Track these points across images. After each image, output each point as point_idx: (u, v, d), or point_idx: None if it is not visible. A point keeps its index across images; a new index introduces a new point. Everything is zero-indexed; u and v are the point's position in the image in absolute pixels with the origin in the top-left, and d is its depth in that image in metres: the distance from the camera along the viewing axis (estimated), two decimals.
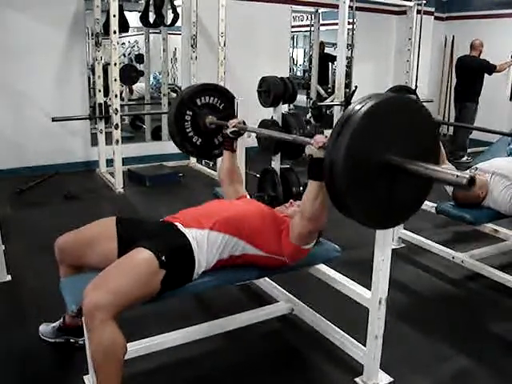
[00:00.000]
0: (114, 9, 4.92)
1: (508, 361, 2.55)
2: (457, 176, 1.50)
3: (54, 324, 2.51)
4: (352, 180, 1.62)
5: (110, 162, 5.68)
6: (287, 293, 2.87)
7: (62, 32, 5.80)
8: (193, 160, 6.56)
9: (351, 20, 7.05)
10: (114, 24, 4.96)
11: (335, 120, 7.06)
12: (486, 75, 6.95)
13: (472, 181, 1.47)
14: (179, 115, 2.99)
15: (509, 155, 3.90)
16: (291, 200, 2.59)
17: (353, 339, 2.44)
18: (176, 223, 2.20)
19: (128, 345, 1.88)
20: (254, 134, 3.65)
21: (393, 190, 1.71)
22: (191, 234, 2.13)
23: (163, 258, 1.96)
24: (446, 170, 1.55)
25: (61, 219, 4.13)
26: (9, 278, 3.20)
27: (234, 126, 2.69)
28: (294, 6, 7.49)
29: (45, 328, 2.53)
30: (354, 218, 1.71)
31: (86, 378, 2.23)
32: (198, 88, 3.10)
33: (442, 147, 3.58)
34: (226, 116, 2.97)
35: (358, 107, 1.61)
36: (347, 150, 1.57)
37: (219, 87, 3.19)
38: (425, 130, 1.78)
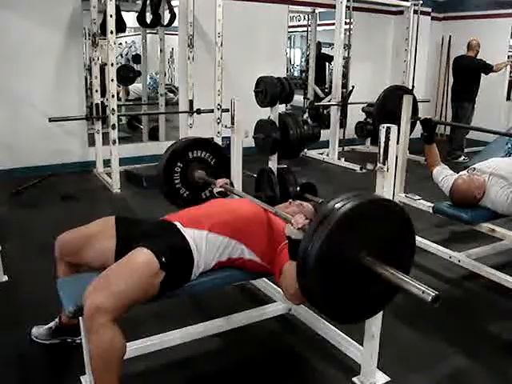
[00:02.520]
0: (111, 9, 4.91)
1: (504, 360, 2.56)
2: (423, 292, 1.53)
3: (48, 325, 2.50)
4: (322, 277, 1.66)
5: (107, 163, 5.66)
6: None
7: (59, 32, 5.79)
8: None
9: (348, 20, 7.08)
10: (111, 24, 4.95)
11: (332, 120, 7.08)
12: (482, 75, 6.96)
13: (437, 299, 1.50)
14: (170, 165, 3.04)
15: (506, 154, 3.90)
16: (290, 200, 2.59)
17: (350, 339, 2.45)
18: (175, 223, 2.20)
19: None
20: (251, 134, 3.67)
21: (363, 288, 1.76)
22: (190, 234, 2.13)
23: (163, 259, 1.96)
24: (415, 283, 1.57)
25: (58, 220, 4.12)
26: (5, 278, 3.19)
27: (220, 186, 2.80)
28: (291, 6, 7.49)
29: (38, 330, 2.52)
30: (321, 312, 1.86)
31: (82, 378, 2.22)
32: (192, 141, 3.15)
33: (436, 148, 3.60)
34: (216, 172, 3.05)
35: (338, 205, 1.65)
36: (320, 250, 1.61)
37: (213, 143, 3.24)
38: (403, 232, 1.83)
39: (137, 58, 9.30)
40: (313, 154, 7.31)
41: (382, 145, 2.00)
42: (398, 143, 2.19)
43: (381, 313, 2.19)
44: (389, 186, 2.06)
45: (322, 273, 1.65)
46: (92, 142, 6.07)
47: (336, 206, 1.65)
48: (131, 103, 9.12)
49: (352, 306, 1.81)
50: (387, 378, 2.32)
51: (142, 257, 1.95)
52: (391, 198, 2.07)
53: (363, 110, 7.33)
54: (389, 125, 1.99)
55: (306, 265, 1.64)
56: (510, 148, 4.07)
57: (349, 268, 1.68)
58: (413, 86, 7.34)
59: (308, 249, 1.62)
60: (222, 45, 5.71)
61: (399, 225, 1.80)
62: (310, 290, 1.71)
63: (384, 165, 2.02)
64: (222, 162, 3.12)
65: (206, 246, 2.13)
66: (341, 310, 1.80)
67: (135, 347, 2.30)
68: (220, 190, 2.78)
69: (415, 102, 4.02)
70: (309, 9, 8.45)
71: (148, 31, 7.82)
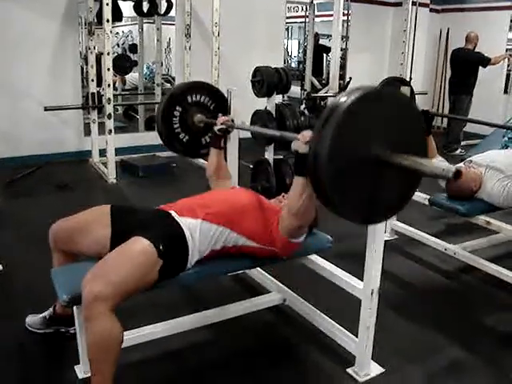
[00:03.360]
0: None
1: (500, 352, 2.56)
2: (443, 169, 1.47)
3: (42, 314, 2.49)
4: (336, 173, 1.57)
5: (102, 152, 5.63)
6: (279, 283, 2.87)
7: (55, 21, 5.74)
8: None
9: (346, 11, 7.04)
10: (107, 13, 4.92)
11: None
12: (480, 68, 6.94)
13: (458, 173, 1.42)
14: (168, 109, 2.95)
15: (503, 147, 3.90)
16: (283, 194, 2.58)
17: (345, 330, 2.44)
18: (170, 212, 2.20)
19: None
20: (248, 123, 3.65)
21: (379, 184, 1.67)
22: (185, 223, 2.13)
23: (161, 247, 1.96)
24: (433, 163, 1.52)
25: (53, 209, 4.09)
26: (0, 267, 3.18)
27: (222, 123, 2.68)
28: None
29: (32, 319, 2.51)
30: (339, 214, 1.66)
31: (76, 367, 2.23)
32: (190, 85, 3.08)
33: (433, 140, 3.59)
34: (215, 117, 2.95)
35: (343, 99, 1.56)
36: (331, 142, 1.52)
37: (211, 87, 3.16)
38: (412, 123, 1.74)
39: (133, 48, 9.25)
40: None
41: None
42: None
43: (376, 304, 2.20)
44: None
45: (335, 172, 1.56)
46: (88, 132, 6.03)
47: (340, 100, 1.57)
48: (127, 93, 9.08)
49: (373, 205, 1.71)
50: (382, 370, 2.33)
51: (140, 245, 1.95)
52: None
53: None
54: None
55: (317, 159, 1.55)
56: (506, 141, 4.07)
57: (362, 161, 1.60)
58: (410, 78, 7.31)
59: (318, 148, 1.54)
60: (218, 35, 5.68)
61: (405, 112, 1.72)
62: (324, 188, 1.60)
63: None
64: (222, 108, 3.04)
65: (200, 234, 2.13)
66: (358, 209, 1.70)
67: (128, 337, 2.27)
68: (221, 127, 2.68)
69: (413, 94, 4.00)
70: None
71: (145, 21, 7.78)
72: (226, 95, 3.10)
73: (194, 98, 3.00)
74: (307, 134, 1.86)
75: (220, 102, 3.07)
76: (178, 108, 2.96)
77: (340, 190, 1.61)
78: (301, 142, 1.88)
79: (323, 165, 1.54)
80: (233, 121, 2.76)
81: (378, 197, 1.69)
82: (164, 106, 2.96)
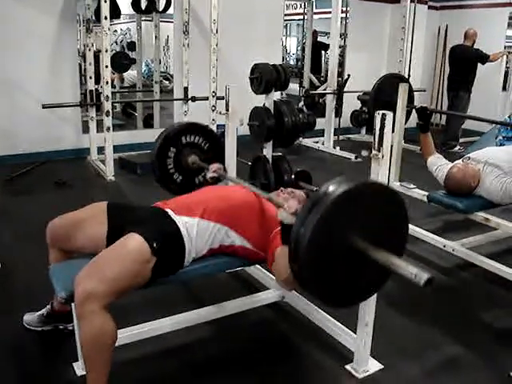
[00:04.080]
0: None
1: (497, 348, 2.56)
2: (415, 276, 1.47)
3: (40, 312, 2.49)
4: (314, 261, 1.63)
5: (101, 150, 5.63)
6: None
7: (53, 18, 5.73)
8: None
9: (344, 8, 7.04)
10: (105, 10, 4.91)
11: (328, 109, 7.06)
12: (479, 65, 6.94)
13: (429, 282, 1.45)
14: (163, 150, 2.98)
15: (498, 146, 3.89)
16: (281, 188, 2.57)
17: (343, 326, 2.44)
18: (167, 210, 2.18)
19: None
20: (246, 121, 3.66)
21: (355, 272, 1.73)
22: (182, 221, 2.12)
23: (155, 244, 1.95)
24: (407, 266, 1.52)
25: (51, 207, 4.06)
26: None
27: (214, 171, 2.73)
28: None
29: (30, 317, 2.51)
30: (313, 296, 1.81)
31: (75, 364, 2.22)
32: (186, 126, 3.10)
33: (431, 137, 3.60)
34: (209, 157, 2.99)
35: (330, 189, 1.62)
36: (313, 231, 1.57)
37: (206, 128, 3.18)
38: (396, 216, 1.80)
39: (132, 46, 9.24)
40: (308, 142, 7.30)
41: (377, 131, 1.99)
42: (393, 131, 2.17)
43: (374, 300, 2.20)
44: (383, 173, 2.05)
45: (313, 257, 1.62)
46: (86, 129, 6.02)
47: (328, 190, 1.63)
48: (126, 90, 9.07)
49: (344, 290, 1.78)
50: (380, 366, 2.33)
51: (134, 242, 1.94)
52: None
53: (359, 98, 7.31)
54: (384, 111, 1.97)
55: (297, 249, 1.62)
56: (501, 140, 4.06)
57: (341, 252, 1.66)
58: (409, 75, 7.32)
59: (300, 233, 1.60)
60: (217, 32, 5.67)
61: (392, 208, 1.77)
62: (302, 274, 1.69)
63: (379, 152, 2.01)
64: (216, 148, 3.08)
65: (197, 232, 2.12)
66: (333, 295, 1.78)
67: (127, 334, 2.29)
68: (213, 175, 2.73)
69: (411, 91, 3.99)
70: None
71: (143, 18, 7.78)
72: (225, 93, 3.10)
73: (188, 139, 3.03)
74: (293, 205, 1.85)
75: (214, 143, 3.10)
76: (172, 149, 2.99)
77: (316, 278, 1.69)
78: (286, 212, 1.85)
79: (303, 253, 1.61)
80: (225, 169, 2.84)
81: (351, 284, 1.77)
82: (159, 147, 3.00)
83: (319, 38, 9.60)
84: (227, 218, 2.17)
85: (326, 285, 1.72)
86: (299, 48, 11.83)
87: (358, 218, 1.68)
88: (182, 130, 3.03)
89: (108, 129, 5.23)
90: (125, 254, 1.92)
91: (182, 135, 3.00)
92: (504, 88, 7.83)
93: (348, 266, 1.70)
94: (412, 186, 3.79)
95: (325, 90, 7.31)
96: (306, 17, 8.71)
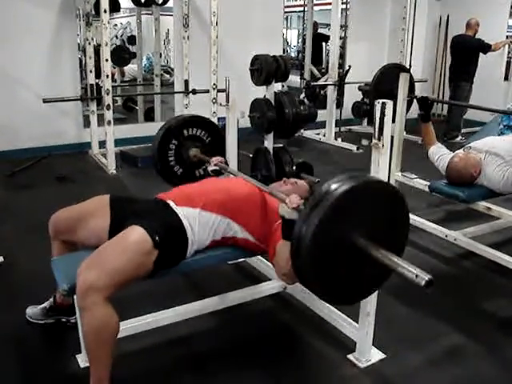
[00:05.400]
0: None
1: (500, 337, 2.57)
2: (416, 276, 1.48)
3: (42, 305, 2.50)
4: (316, 259, 1.65)
5: (102, 144, 5.63)
6: None
7: (52, 12, 5.71)
8: None
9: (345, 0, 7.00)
10: (105, 3, 4.90)
11: (329, 100, 7.04)
12: (481, 55, 6.90)
13: (430, 283, 1.46)
14: (164, 143, 2.99)
15: (499, 135, 3.88)
16: (284, 178, 2.58)
17: (345, 316, 2.45)
18: (168, 201, 2.18)
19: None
20: (247, 113, 3.65)
21: (356, 270, 1.74)
22: (183, 212, 2.12)
23: (157, 237, 1.95)
24: (408, 266, 1.53)
25: (53, 201, 4.07)
26: (0, 259, 3.18)
27: (215, 165, 2.73)
28: None
29: (32, 310, 2.52)
30: (314, 293, 1.81)
31: (78, 357, 2.24)
32: (187, 119, 3.10)
33: (432, 128, 3.58)
34: (210, 150, 2.99)
35: (333, 188, 1.63)
36: (316, 229, 1.59)
37: (208, 121, 3.19)
38: (398, 214, 1.81)
39: (132, 40, 9.21)
40: (309, 134, 7.29)
41: (378, 120, 1.98)
42: (394, 122, 2.17)
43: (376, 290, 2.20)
44: (384, 163, 2.04)
45: (315, 254, 1.64)
46: (87, 124, 6.03)
47: (331, 188, 1.64)
48: (126, 84, 9.06)
49: (345, 288, 1.80)
50: (382, 355, 2.34)
51: (135, 235, 1.94)
52: (386, 176, 2.06)
53: (359, 88, 7.28)
54: (384, 100, 1.96)
55: (300, 247, 1.63)
56: (502, 128, 4.04)
57: (343, 250, 1.67)
58: (410, 66, 7.29)
59: (302, 231, 1.61)
60: (217, 24, 5.65)
61: (394, 206, 1.78)
62: (304, 271, 1.71)
63: (379, 141, 2.00)
64: (217, 141, 3.09)
65: (199, 224, 2.12)
66: (334, 292, 1.80)
67: (129, 326, 2.30)
68: (214, 168, 2.72)
69: (412, 81, 3.98)
70: None
71: (143, 12, 7.75)
72: (226, 84, 3.10)
73: (189, 132, 3.03)
74: (294, 200, 1.85)
75: (216, 136, 3.11)
76: (173, 141, 3.00)
77: (318, 275, 1.71)
78: (288, 207, 1.86)
79: (305, 251, 1.63)
80: (226, 162, 2.83)
81: (352, 281, 1.79)
82: (160, 139, 3.00)
83: (320, 30, 9.55)
84: (229, 210, 2.18)
85: (327, 282, 1.74)
86: (300, 40, 11.77)
87: (360, 217, 1.69)
88: (184, 123, 3.03)
89: (109, 123, 5.23)
90: (126, 246, 1.93)
91: (184, 128, 3.00)
92: (506, 78, 7.79)
93: (349, 264, 1.71)
94: (414, 176, 3.78)
95: (326, 81, 7.28)
96: (306, 8, 8.66)
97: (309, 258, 1.64)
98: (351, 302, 2.03)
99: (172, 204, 2.16)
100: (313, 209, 1.62)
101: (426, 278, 1.46)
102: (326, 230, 1.62)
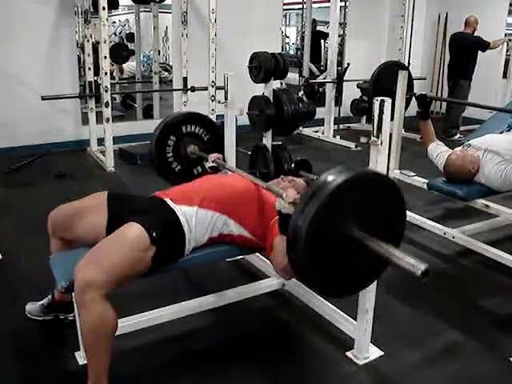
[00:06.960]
0: None
1: (497, 335, 2.57)
2: (413, 266, 1.48)
3: (41, 302, 2.50)
4: (312, 250, 1.64)
5: (101, 141, 5.63)
6: None
7: (51, 9, 5.71)
8: None
9: None
10: (103, 0, 4.89)
11: (327, 98, 7.04)
12: (479, 52, 6.90)
13: (426, 273, 1.46)
14: (162, 139, 2.98)
15: (509, 126, 3.82)
16: (282, 176, 2.58)
17: (344, 313, 2.45)
18: (166, 199, 2.19)
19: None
20: (246, 110, 3.64)
21: (353, 262, 1.74)
22: (181, 210, 2.13)
23: (154, 234, 1.96)
24: (405, 256, 1.53)
25: (51, 198, 4.07)
26: None
27: (213, 161, 2.73)
28: None
29: (31, 307, 2.52)
30: (310, 285, 1.84)
31: (77, 354, 2.24)
32: (186, 115, 3.10)
33: (431, 125, 3.58)
34: (209, 148, 2.98)
35: (329, 179, 1.63)
36: (312, 220, 1.59)
37: (207, 118, 3.18)
38: (394, 206, 1.80)
39: (131, 37, 9.21)
40: (308, 131, 7.29)
41: (376, 118, 1.98)
42: (392, 119, 2.16)
43: (374, 287, 2.20)
44: (382, 160, 2.05)
45: (311, 247, 1.63)
46: (86, 121, 6.02)
47: (327, 179, 1.63)
48: (125, 82, 9.05)
49: (342, 280, 1.80)
50: (381, 353, 2.34)
51: (133, 232, 1.95)
52: (384, 173, 2.06)
53: (358, 86, 7.27)
54: (383, 98, 1.97)
55: (296, 239, 1.63)
56: (511, 122, 3.99)
57: (339, 242, 1.67)
58: (409, 63, 7.29)
59: (298, 223, 1.61)
60: (215, 21, 5.64)
61: (390, 198, 1.78)
62: (300, 265, 1.70)
63: (378, 138, 2.00)
64: (216, 138, 3.08)
65: (197, 221, 2.13)
66: (331, 284, 1.79)
67: (128, 323, 2.30)
68: (212, 165, 2.73)
69: (411, 79, 3.97)
70: None
71: (141, 9, 7.74)
72: (224, 81, 3.09)
73: (188, 129, 3.02)
74: (291, 195, 1.85)
75: (214, 133, 3.10)
76: (171, 138, 2.99)
77: (314, 267, 1.70)
78: (284, 201, 1.85)
79: (301, 243, 1.62)
80: (224, 159, 2.81)
81: (348, 273, 1.78)
82: (158, 135, 2.99)
83: (319, 27, 9.55)
84: (226, 207, 2.18)
85: (324, 275, 1.73)
86: (299, 37, 11.76)
87: (356, 208, 1.68)
88: (182, 119, 3.03)
89: (108, 120, 5.23)
90: (123, 242, 1.93)
91: (182, 124, 3.00)
92: (504, 75, 7.78)
93: (345, 255, 1.71)
94: (412, 173, 3.78)
95: (324, 78, 7.28)
96: (305, 6, 8.65)
97: (305, 249, 1.63)
98: (347, 294, 2.01)
99: (170, 202, 2.17)
100: (309, 200, 1.61)
101: (423, 268, 1.46)
102: (321, 222, 1.61)
